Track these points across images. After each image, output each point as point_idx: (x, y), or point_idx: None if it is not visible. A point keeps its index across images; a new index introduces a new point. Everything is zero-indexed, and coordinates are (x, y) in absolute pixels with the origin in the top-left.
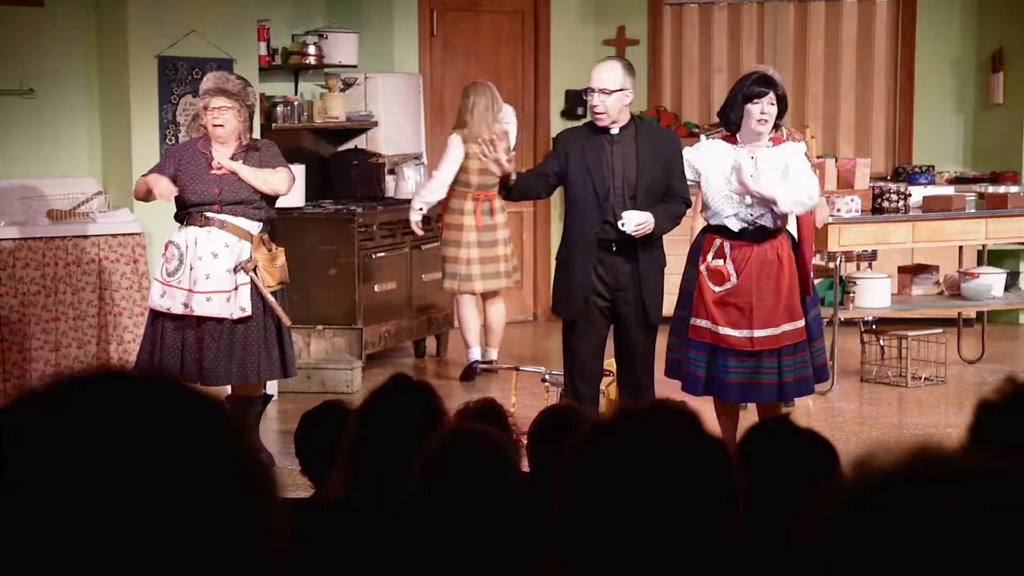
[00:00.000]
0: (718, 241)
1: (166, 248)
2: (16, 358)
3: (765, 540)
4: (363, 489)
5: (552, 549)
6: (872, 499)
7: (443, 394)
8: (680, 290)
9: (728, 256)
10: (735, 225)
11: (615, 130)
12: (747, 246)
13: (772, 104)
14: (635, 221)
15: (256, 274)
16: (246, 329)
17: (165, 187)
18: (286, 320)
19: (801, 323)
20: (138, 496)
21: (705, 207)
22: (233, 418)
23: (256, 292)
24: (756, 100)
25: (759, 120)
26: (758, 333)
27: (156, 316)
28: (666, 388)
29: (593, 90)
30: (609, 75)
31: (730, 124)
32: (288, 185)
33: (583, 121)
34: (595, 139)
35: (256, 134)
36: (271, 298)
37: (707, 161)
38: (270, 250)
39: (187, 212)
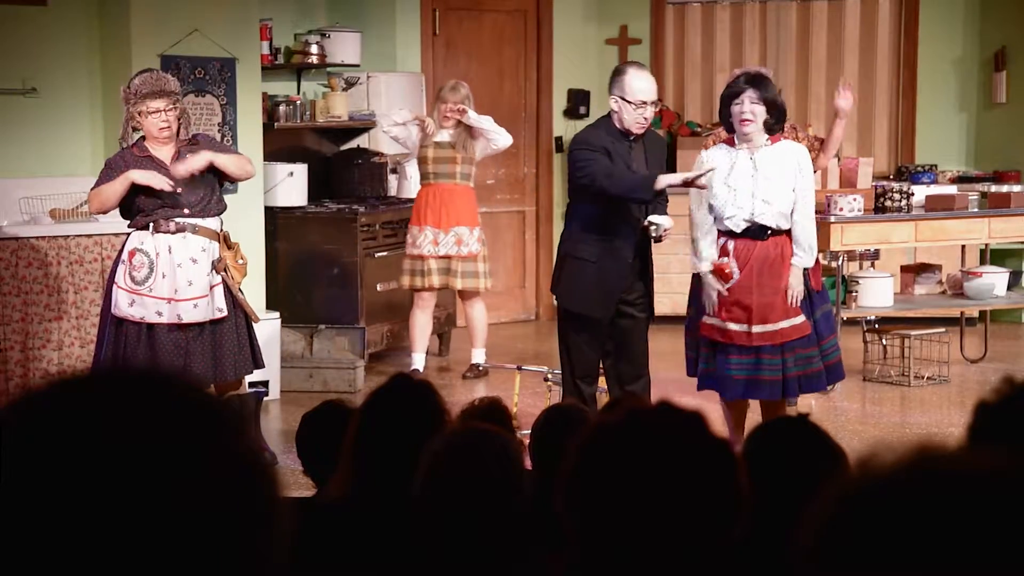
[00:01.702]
0: (722, 240)
1: (132, 256)
2: (19, 357)
3: (771, 540)
4: (365, 488)
5: (555, 548)
6: (874, 498)
7: (446, 393)
8: (692, 288)
9: (731, 253)
10: (738, 226)
11: (632, 137)
12: (750, 243)
13: (754, 103)
14: (666, 226)
15: (227, 273)
16: (221, 329)
17: (150, 178)
18: (255, 317)
19: (800, 319)
20: (139, 496)
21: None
22: (235, 417)
23: (227, 290)
24: (736, 100)
25: (741, 120)
26: (756, 329)
27: (120, 323)
28: (668, 387)
29: (647, 103)
30: (655, 86)
31: (726, 124)
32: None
33: (584, 120)
34: (619, 144)
35: (258, 134)
36: (241, 295)
37: (718, 164)
38: (230, 247)
39: (151, 219)
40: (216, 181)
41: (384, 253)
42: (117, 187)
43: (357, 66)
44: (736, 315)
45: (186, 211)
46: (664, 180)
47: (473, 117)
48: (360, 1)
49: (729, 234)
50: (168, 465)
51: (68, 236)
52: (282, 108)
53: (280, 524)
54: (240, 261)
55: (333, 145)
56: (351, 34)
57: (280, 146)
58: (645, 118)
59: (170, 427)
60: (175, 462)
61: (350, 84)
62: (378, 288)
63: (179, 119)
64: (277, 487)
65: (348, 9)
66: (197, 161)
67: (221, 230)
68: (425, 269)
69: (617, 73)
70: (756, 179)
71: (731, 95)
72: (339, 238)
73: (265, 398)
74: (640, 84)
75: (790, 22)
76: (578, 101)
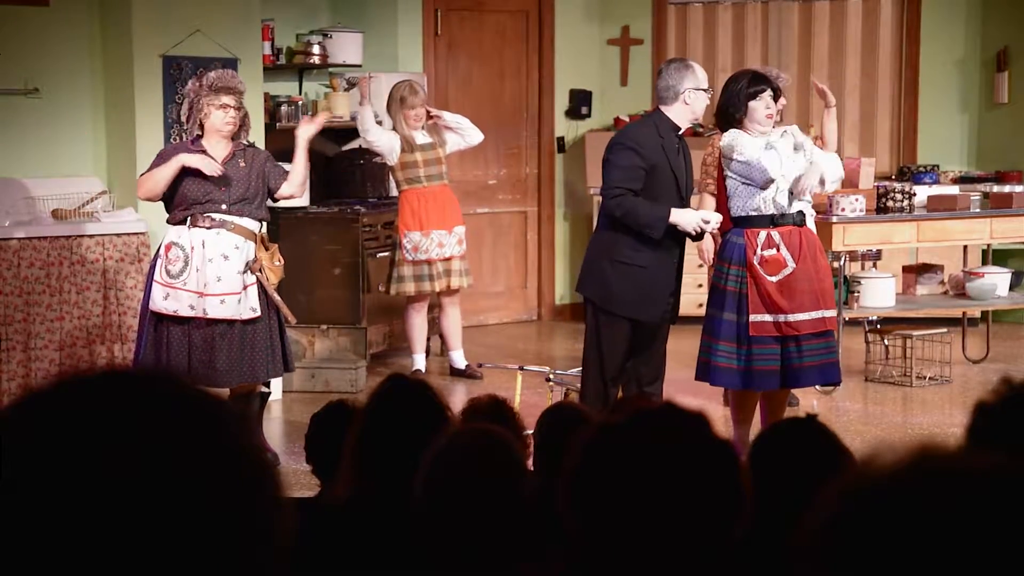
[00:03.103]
0: (764, 233)
1: (168, 250)
2: (21, 357)
3: (777, 540)
4: (367, 489)
5: (558, 548)
6: (875, 498)
7: (447, 393)
8: (716, 290)
9: (781, 244)
10: (781, 207)
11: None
12: (795, 231)
13: (772, 98)
14: (717, 219)
15: (262, 273)
16: (254, 329)
17: (199, 161)
18: (292, 318)
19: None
20: (141, 496)
21: (745, 197)
22: (237, 418)
23: (262, 291)
24: (759, 96)
25: (767, 115)
26: (828, 313)
27: (160, 319)
28: (673, 387)
29: (712, 90)
30: None
31: (733, 121)
32: None
33: (586, 120)
34: (668, 140)
35: (260, 134)
36: (277, 296)
37: (755, 152)
38: (267, 248)
39: (189, 213)
40: (263, 189)
41: (386, 253)
42: (167, 171)
43: (359, 66)
44: (803, 302)
45: (223, 207)
46: (676, 218)
47: (449, 117)
48: (362, 1)
49: (765, 223)
50: (169, 465)
51: (70, 236)
52: (284, 108)
53: (281, 524)
54: (277, 262)
55: (335, 145)
56: (353, 34)
57: (282, 146)
58: (708, 105)
59: (172, 427)
60: (176, 462)
61: (352, 84)
62: (380, 288)
63: (242, 121)
64: (278, 487)
65: (350, 9)
66: (313, 128)
67: (260, 231)
68: (433, 273)
69: (683, 67)
70: (781, 160)
71: (753, 93)
72: (341, 238)
73: (269, 398)
74: (702, 72)
75: (792, 22)
76: (580, 101)
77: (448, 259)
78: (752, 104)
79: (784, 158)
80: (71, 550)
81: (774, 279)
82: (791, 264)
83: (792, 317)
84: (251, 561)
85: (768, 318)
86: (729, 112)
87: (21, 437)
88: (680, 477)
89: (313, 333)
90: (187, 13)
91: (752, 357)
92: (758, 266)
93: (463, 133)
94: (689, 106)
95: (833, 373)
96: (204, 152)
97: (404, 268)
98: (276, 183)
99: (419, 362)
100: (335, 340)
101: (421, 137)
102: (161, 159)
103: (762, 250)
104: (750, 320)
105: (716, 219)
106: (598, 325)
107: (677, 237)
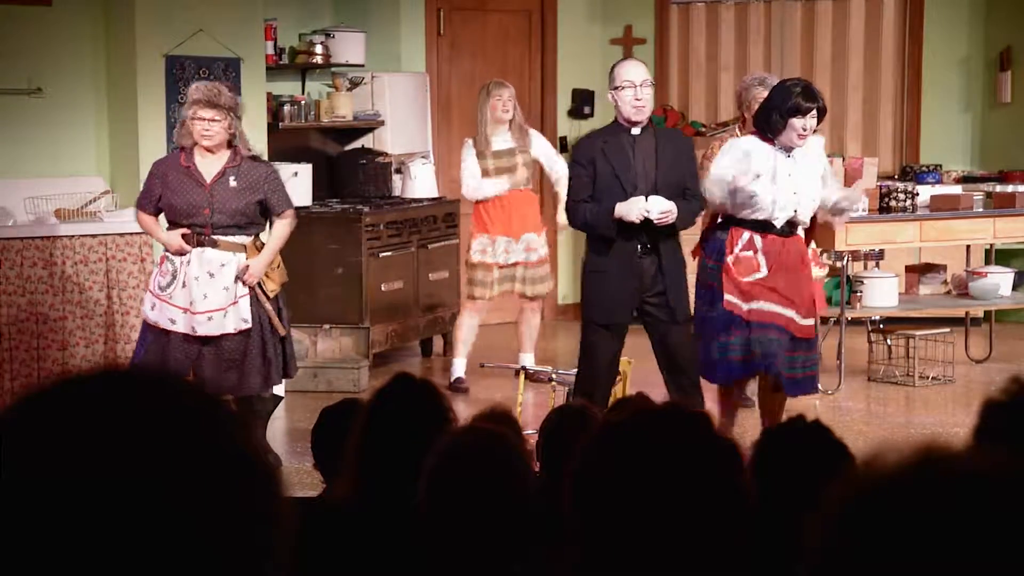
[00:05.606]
0: (747, 235)
1: (162, 261)
2: (24, 357)
3: (781, 540)
4: (369, 489)
5: (562, 549)
6: (879, 498)
7: (454, 395)
8: (699, 286)
9: (760, 249)
10: (779, 221)
11: (636, 130)
12: (778, 241)
13: (814, 118)
14: (661, 208)
15: (258, 283)
16: (245, 341)
17: (172, 242)
18: (282, 331)
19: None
20: (140, 495)
21: (740, 204)
22: (237, 418)
23: (255, 301)
24: (801, 115)
25: (800, 135)
26: (805, 322)
27: (155, 328)
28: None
29: (635, 84)
30: (644, 69)
31: (768, 127)
32: (292, 225)
33: (589, 120)
34: (616, 141)
35: (263, 134)
36: (268, 306)
37: (763, 162)
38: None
39: (181, 228)
40: (257, 208)
41: (388, 253)
42: (154, 232)
43: (362, 66)
44: (776, 300)
45: (209, 229)
46: (619, 211)
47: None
48: (365, 1)
49: (757, 229)
50: (168, 466)
51: (73, 236)
52: (287, 108)
53: (281, 524)
54: (275, 266)
55: (338, 145)
56: (355, 34)
57: (285, 146)
58: (638, 99)
59: (170, 428)
60: (175, 463)
61: (355, 84)
62: (382, 288)
63: (230, 134)
64: (279, 487)
65: (352, 9)
66: (250, 279)
67: (254, 242)
68: (488, 280)
69: (609, 72)
70: (795, 177)
71: (795, 109)
72: (343, 238)
73: (280, 401)
74: (625, 68)
75: (795, 22)
76: (582, 101)
77: (513, 265)
78: (793, 120)
79: (798, 173)
80: (70, 550)
81: (745, 279)
82: (763, 271)
83: (754, 305)
84: (251, 561)
85: (740, 303)
86: (772, 117)
87: (21, 437)
88: (683, 477)
89: (315, 333)
90: (190, 13)
91: (750, 343)
92: (731, 264)
93: (556, 183)
94: (617, 104)
95: (799, 387)
96: (190, 170)
97: (477, 273)
98: (278, 208)
99: (459, 368)
100: (337, 340)
101: (501, 142)
102: (151, 176)
103: (740, 250)
104: (724, 299)
105: (659, 207)
106: (583, 331)
107: (633, 231)
